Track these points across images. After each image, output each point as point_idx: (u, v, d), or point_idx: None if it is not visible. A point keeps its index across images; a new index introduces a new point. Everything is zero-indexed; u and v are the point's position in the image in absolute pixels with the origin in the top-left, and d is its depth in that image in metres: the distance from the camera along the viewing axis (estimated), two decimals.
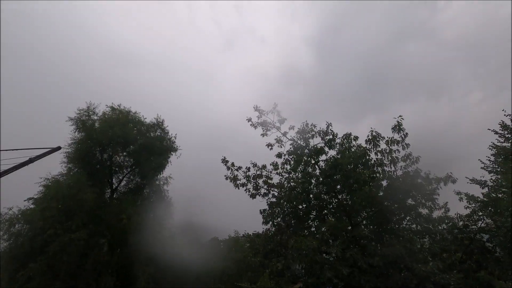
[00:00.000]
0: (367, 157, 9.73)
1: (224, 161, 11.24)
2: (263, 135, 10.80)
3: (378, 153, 9.72)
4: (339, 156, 10.00)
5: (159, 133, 20.31)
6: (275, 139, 10.84)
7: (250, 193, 11.01)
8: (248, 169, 11.21)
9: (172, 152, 20.54)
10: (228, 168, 11.18)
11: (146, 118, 20.26)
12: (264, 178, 11.18)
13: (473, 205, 11.50)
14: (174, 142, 20.74)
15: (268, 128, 10.80)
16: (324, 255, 8.62)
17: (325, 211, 10.64)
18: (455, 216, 11.18)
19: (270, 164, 11.21)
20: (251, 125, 10.90)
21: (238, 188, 11.05)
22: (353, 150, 10.07)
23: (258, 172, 11.22)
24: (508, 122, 13.10)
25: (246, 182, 11.07)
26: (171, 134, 20.81)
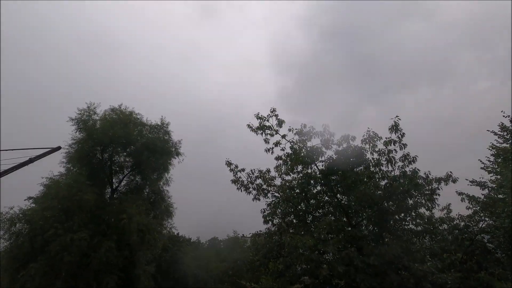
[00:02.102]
0: (365, 157, 9.74)
1: (228, 163, 11.27)
2: (265, 140, 10.84)
3: (375, 153, 9.73)
4: (336, 156, 10.02)
5: (161, 135, 20.29)
6: (273, 144, 10.89)
7: (253, 196, 11.06)
8: (252, 172, 11.28)
9: (175, 156, 20.53)
10: (231, 170, 11.21)
11: (147, 118, 20.30)
12: (266, 178, 11.25)
13: (475, 206, 11.50)
14: (180, 147, 20.73)
15: (268, 133, 10.82)
16: (321, 253, 8.63)
17: (323, 210, 10.66)
18: (457, 216, 11.19)
19: (274, 168, 11.28)
20: (251, 130, 10.92)
21: (241, 191, 11.09)
22: (350, 150, 10.06)
23: (260, 174, 11.30)
24: (507, 123, 13.04)
25: (248, 184, 11.12)
26: (175, 139, 20.79)
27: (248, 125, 10.88)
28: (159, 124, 20.30)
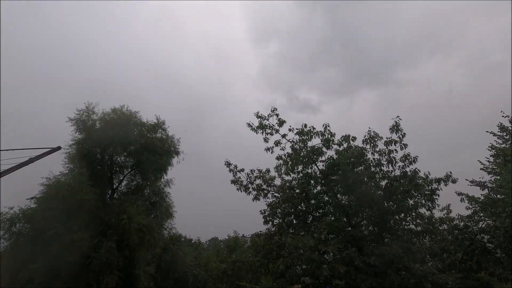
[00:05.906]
0: (365, 157, 9.76)
1: (228, 164, 11.27)
2: (265, 140, 10.81)
3: (376, 153, 9.76)
4: (337, 157, 10.04)
5: (160, 134, 20.27)
6: (274, 143, 10.89)
7: (253, 196, 11.06)
8: (252, 171, 11.28)
9: (174, 155, 20.49)
10: (231, 171, 11.22)
11: (145, 118, 20.27)
12: (266, 178, 11.26)
13: (474, 206, 11.52)
14: (178, 146, 20.69)
15: (268, 132, 10.79)
16: (322, 253, 8.65)
17: (323, 210, 10.67)
18: (457, 216, 11.21)
19: (274, 168, 11.27)
20: (251, 129, 10.90)
21: (241, 191, 11.09)
22: (350, 151, 10.08)
23: (260, 174, 11.30)
24: (506, 124, 13.04)
25: (248, 185, 11.12)
26: (174, 137, 20.77)
27: (248, 124, 10.89)
28: (156, 122, 20.25)
